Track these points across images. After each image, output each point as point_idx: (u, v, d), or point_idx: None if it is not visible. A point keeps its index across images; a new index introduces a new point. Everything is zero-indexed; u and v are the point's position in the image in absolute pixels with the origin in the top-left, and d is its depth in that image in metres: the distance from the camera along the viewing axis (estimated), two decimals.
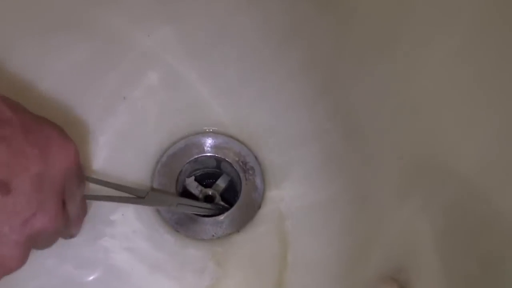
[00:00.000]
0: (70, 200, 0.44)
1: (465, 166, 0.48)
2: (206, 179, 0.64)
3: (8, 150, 0.39)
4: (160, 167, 0.59)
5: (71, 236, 0.50)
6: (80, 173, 0.46)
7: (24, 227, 0.40)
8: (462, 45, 0.49)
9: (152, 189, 0.59)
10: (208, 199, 0.61)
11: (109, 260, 0.55)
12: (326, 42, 0.58)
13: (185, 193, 0.62)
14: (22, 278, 0.49)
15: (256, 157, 0.61)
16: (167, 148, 0.60)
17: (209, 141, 0.61)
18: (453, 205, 0.48)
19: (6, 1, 0.54)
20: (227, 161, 0.61)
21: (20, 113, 0.41)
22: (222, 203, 0.61)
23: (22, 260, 0.41)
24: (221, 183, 0.62)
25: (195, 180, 0.62)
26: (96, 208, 0.55)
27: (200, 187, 0.61)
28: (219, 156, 0.61)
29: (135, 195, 0.55)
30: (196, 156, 0.61)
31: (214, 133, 0.61)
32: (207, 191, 0.61)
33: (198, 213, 0.58)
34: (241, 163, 0.60)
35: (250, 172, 0.60)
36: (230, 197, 0.62)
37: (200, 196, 0.61)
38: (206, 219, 0.58)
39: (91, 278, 0.54)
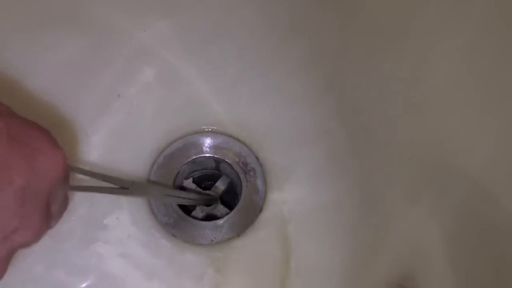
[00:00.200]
0: (54, 202, 0.42)
1: (476, 167, 0.49)
2: (205, 181, 0.64)
3: None
4: (157, 169, 0.59)
5: (49, 227, 0.48)
6: (66, 176, 0.44)
7: (4, 243, 0.38)
8: (472, 43, 0.50)
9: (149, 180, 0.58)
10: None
11: (102, 266, 0.54)
12: (330, 37, 0.58)
13: None
14: (9, 286, 0.48)
15: (257, 158, 0.60)
16: (164, 149, 0.60)
17: (208, 141, 0.61)
18: (464, 208, 0.49)
19: None
20: (226, 162, 0.61)
21: (6, 118, 0.40)
22: (210, 192, 0.61)
23: (0, 274, 0.40)
24: (221, 185, 0.62)
25: (193, 182, 0.61)
26: (89, 211, 0.55)
27: (198, 190, 0.61)
28: (218, 156, 0.61)
29: (119, 186, 0.54)
30: (194, 157, 0.60)
31: (213, 133, 0.61)
32: None
33: (186, 203, 0.58)
34: (241, 164, 0.60)
35: (251, 173, 0.60)
36: (230, 199, 0.62)
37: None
38: (205, 223, 0.58)
39: (83, 285, 0.53)
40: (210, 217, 0.59)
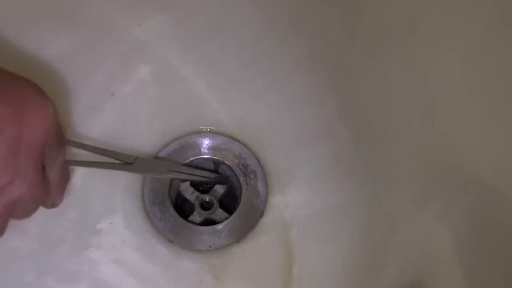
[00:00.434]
0: (50, 166, 0.44)
1: (486, 169, 0.49)
2: (203, 184, 0.63)
3: None
4: None
5: (53, 205, 0.50)
6: (59, 135, 0.45)
7: (1, 196, 0.40)
8: (480, 41, 0.50)
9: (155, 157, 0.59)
10: (205, 206, 0.60)
11: (95, 273, 0.53)
12: (333, 34, 0.58)
13: (180, 200, 0.61)
14: None
15: (258, 160, 0.60)
16: (160, 150, 0.60)
17: (206, 142, 0.61)
18: (474, 211, 0.49)
19: None
20: (226, 164, 0.60)
21: None
22: (215, 173, 0.61)
23: (2, 227, 0.41)
24: (220, 188, 0.61)
25: (191, 185, 0.61)
26: (81, 215, 0.55)
27: (196, 193, 0.60)
28: (217, 158, 0.60)
29: (121, 161, 0.55)
30: (192, 159, 0.60)
31: (211, 133, 0.61)
32: (204, 197, 0.60)
33: (193, 180, 0.59)
34: (241, 166, 0.60)
35: (252, 176, 0.59)
36: (229, 203, 0.61)
37: (196, 203, 0.60)
38: (203, 228, 0.57)
39: None
40: (208, 222, 0.58)
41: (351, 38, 0.57)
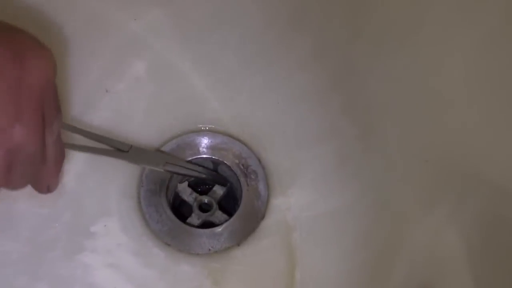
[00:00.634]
0: (48, 127, 0.44)
1: (499, 170, 0.49)
2: (202, 185, 0.63)
3: None
4: (148, 171, 0.58)
5: (49, 189, 0.51)
6: (56, 96, 0.46)
7: (3, 137, 0.41)
8: (491, 36, 0.50)
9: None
10: (204, 208, 0.60)
11: (89, 278, 0.53)
12: (338, 29, 0.58)
13: (177, 201, 0.61)
14: None
15: (259, 160, 0.60)
16: (156, 149, 0.59)
17: (205, 141, 0.60)
18: (486, 214, 0.49)
19: None
20: (225, 164, 0.60)
21: None
22: (214, 174, 0.61)
23: (3, 177, 0.42)
24: (219, 189, 0.61)
25: (189, 186, 0.60)
26: (74, 218, 0.54)
27: (194, 194, 0.60)
28: (216, 158, 0.60)
29: (116, 148, 0.56)
30: (190, 158, 0.60)
31: (210, 132, 0.61)
32: (203, 198, 0.60)
33: (190, 175, 0.59)
34: (241, 166, 0.59)
35: (252, 176, 0.59)
36: (229, 205, 0.61)
37: (195, 204, 0.59)
38: (202, 230, 0.57)
39: None
40: (207, 224, 0.58)
41: (355, 34, 0.57)
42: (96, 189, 0.56)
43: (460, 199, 0.50)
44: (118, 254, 0.54)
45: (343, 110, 0.58)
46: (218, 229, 0.57)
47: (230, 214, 0.58)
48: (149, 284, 0.53)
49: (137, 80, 0.59)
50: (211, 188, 0.61)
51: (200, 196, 0.60)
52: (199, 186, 0.62)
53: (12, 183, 0.45)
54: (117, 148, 0.55)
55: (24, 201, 0.52)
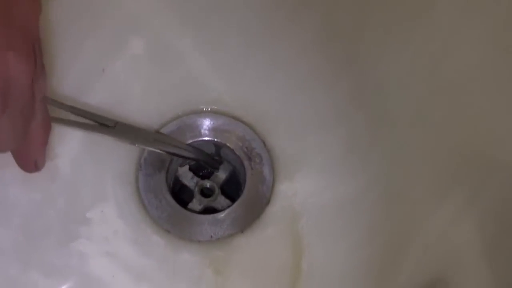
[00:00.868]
0: (35, 81, 0.44)
1: None
2: (203, 169, 0.62)
3: None
4: (147, 155, 0.58)
5: (36, 166, 0.51)
6: (41, 51, 0.46)
7: None
8: (510, 15, 0.49)
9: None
10: (206, 193, 0.60)
11: (84, 267, 0.53)
12: (348, 7, 0.57)
13: (178, 186, 0.61)
14: None
15: (263, 142, 0.59)
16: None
17: (206, 123, 0.60)
18: (503, 202, 0.48)
19: None
20: (228, 146, 0.59)
21: None
22: (216, 158, 0.61)
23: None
24: (221, 173, 0.61)
25: (190, 169, 0.60)
26: (69, 203, 0.54)
27: (195, 179, 0.60)
28: (218, 140, 0.60)
29: (101, 123, 0.55)
30: (191, 141, 0.59)
31: (212, 113, 0.60)
32: (204, 183, 0.60)
33: (181, 155, 0.58)
34: (245, 149, 0.59)
35: (257, 160, 0.58)
36: (232, 190, 0.61)
37: (196, 189, 0.59)
38: (203, 216, 0.57)
39: None
40: (209, 210, 0.58)
41: (367, 13, 0.56)
42: (92, 173, 0.55)
43: (476, 188, 0.49)
44: (115, 242, 0.54)
45: (352, 94, 0.57)
46: (221, 215, 0.57)
47: (233, 199, 0.58)
48: (148, 273, 0.53)
49: (135, 59, 0.59)
50: (213, 172, 0.61)
51: (202, 181, 0.60)
52: (201, 170, 0.62)
53: (2, 131, 0.44)
54: (102, 123, 0.55)
55: (16, 186, 0.52)
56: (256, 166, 0.58)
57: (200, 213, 0.58)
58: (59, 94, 0.56)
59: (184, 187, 0.60)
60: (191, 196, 0.59)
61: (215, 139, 0.60)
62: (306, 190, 0.57)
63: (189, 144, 0.59)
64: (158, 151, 0.56)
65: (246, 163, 0.59)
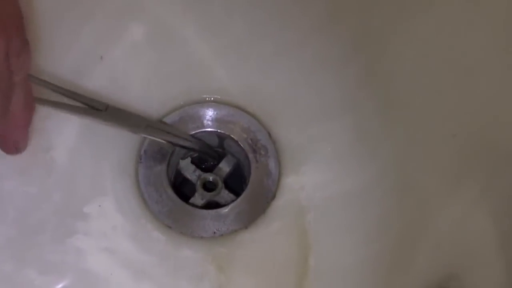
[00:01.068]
0: (14, 55, 0.44)
1: None
2: (206, 161, 0.62)
3: None
4: (148, 146, 0.57)
5: (16, 147, 0.50)
6: (23, 25, 0.46)
7: None
8: None
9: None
10: (208, 187, 0.59)
11: (82, 263, 0.52)
12: None
13: (179, 179, 0.60)
14: None
15: (269, 134, 0.59)
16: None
17: (209, 113, 0.59)
18: None
19: None
20: (232, 138, 0.59)
21: None
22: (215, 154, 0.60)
23: None
24: (225, 166, 0.60)
25: (192, 162, 0.60)
26: (65, 198, 0.54)
27: (198, 172, 0.59)
28: (222, 132, 0.59)
29: (91, 106, 0.54)
30: (193, 132, 0.59)
31: (216, 103, 0.60)
32: (207, 176, 0.59)
33: (175, 143, 0.57)
34: (250, 141, 0.58)
35: (262, 152, 0.58)
36: (236, 184, 0.60)
37: (198, 183, 0.59)
38: (206, 211, 0.56)
39: (58, 286, 0.52)
40: (212, 205, 0.58)
41: None
42: (90, 165, 0.55)
43: (491, 178, 0.49)
44: (114, 238, 0.53)
45: (361, 80, 0.57)
46: (224, 210, 0.56)
47: (237, 193, 0.58)
48: (148, 270, 0.53)
49: (134, 46, 0.59)
50: (216, 165, 0.60)
51: (204, 174, 0.59)
52: (203, 162, 0.61)
53: None
54: (92, 106, 0.53)
55: (11, 179, 0.52)
56: (261, 159, 0.58)
57: (203, 208, 0.57)
58: (53, 81, 0.54)
59: (186, 180, 0.59)
60: (193, 190, 0.58)
61: (219, 130, 0.59)
62: (313, 182, 0.57)
63: (190, 134, 0.59)
64: (152, 137, 0.56)
65: (250, 155, 0.58)
